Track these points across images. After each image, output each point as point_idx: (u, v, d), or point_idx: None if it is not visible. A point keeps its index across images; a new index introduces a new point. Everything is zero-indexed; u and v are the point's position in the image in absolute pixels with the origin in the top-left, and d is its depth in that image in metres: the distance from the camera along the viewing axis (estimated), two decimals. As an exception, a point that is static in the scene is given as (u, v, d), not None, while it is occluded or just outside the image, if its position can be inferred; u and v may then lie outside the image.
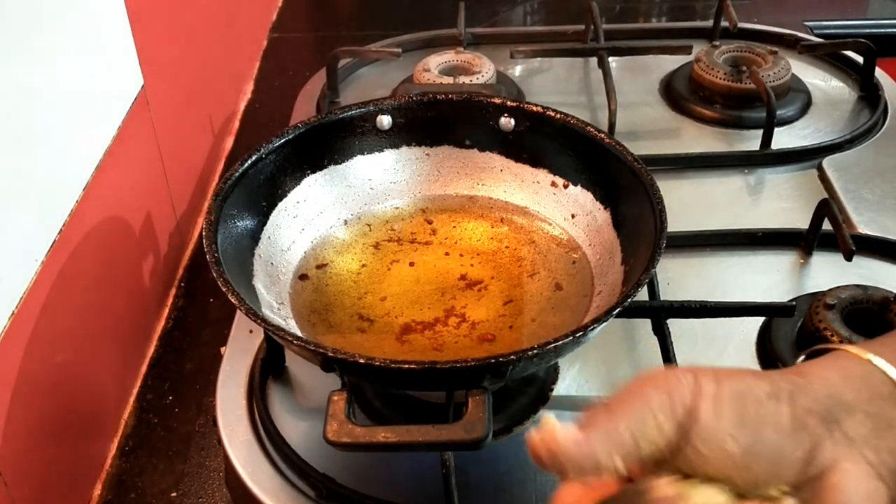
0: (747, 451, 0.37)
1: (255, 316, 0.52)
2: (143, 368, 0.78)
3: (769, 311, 0.68)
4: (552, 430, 0.38)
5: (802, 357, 0.46)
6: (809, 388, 0.38)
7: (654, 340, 0.65)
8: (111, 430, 0.72)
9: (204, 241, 0.57)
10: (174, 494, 0.68)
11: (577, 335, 0.51)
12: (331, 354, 0.49)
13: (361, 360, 0.48)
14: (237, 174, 0.62)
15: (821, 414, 0.37)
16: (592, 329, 0.52)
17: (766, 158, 0.88)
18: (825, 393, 0.38)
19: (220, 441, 0.64)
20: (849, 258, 0.72)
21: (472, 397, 0.48)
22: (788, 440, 0.37)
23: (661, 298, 0.69)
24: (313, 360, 0.51)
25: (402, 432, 0.47)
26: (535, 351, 0.49)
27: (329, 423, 0.47)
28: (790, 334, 0.68)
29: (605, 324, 0.53)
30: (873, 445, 0.37)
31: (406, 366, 0.48)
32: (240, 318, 0.71)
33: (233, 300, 0.52)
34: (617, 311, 0.53)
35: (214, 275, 0.54)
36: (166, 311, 0.84)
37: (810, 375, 0.39)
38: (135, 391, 0.76)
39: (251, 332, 0.69)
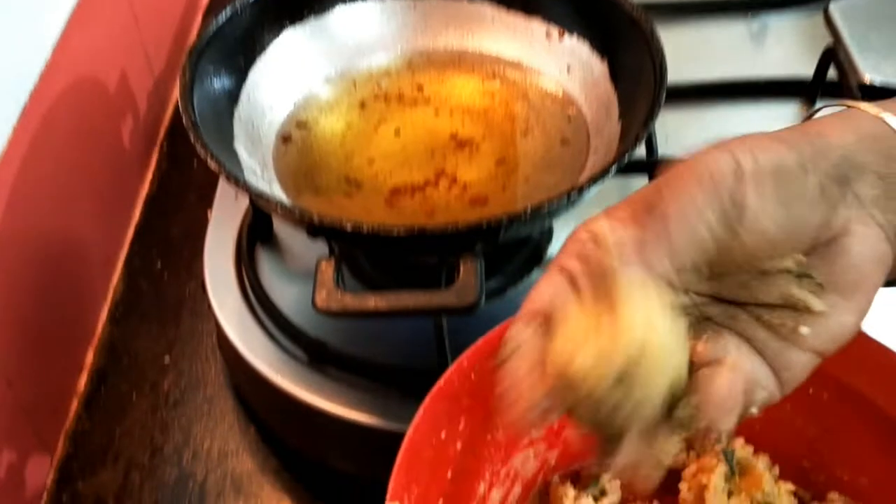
0: (778, 227, 0.35)
1: (237, 181, 0.50)
2: (130, 234, 0.77)
3: (770, 164, 0.66)
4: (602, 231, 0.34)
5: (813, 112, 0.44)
6: (828, 150, 0.36)
7: (651, 198, 0.63)
8: (100, 297, 0.71)
9: (179, 102, 0.54)
10: (167, 359, 0.67)
11: (572, 195, 0.49)
12: (316, 221, 0.47)
13: (348, 227, 0.46)
14: (212, 30, 0.59)
15: (837, 177, 0.35)
16: (587, 189, 0.50)
17: (770, 1, 0.84)
18: (841, 154, 0.36)
19: (210, 307, 0.63)
20: (854, 108, 0.69)
21: (464, 262, 0.47)
22: (812, 210, 0.35)
23: (660, 154, 0.67)
24: (299, 226, 0.50)
25: (393, 299, 0.46)
26: (528, 213, 0.48)
27: (318, 290, 0.46)
28: (790, 189, 0.66)
29: (601, 183, 0.51)
30: (882, 206, 0.36)
31: (394, 232, 0.46)
32: (225, 182, 0.69)
33: (212, 165, 0.50)
34: (614, 169, 0.51)
35: (192, 138, 0.52)
36: (149, 174, 0.82)
37: (826, 135, 0.36)
38: (122, 257, 0.75)
39: (237, 196, 0.67)
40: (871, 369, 0.42)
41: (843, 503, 0.45)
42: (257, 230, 0.64)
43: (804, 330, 0.35)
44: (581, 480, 0.47)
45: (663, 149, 0.68)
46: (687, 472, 0.46)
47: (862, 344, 0.39)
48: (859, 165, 0.36)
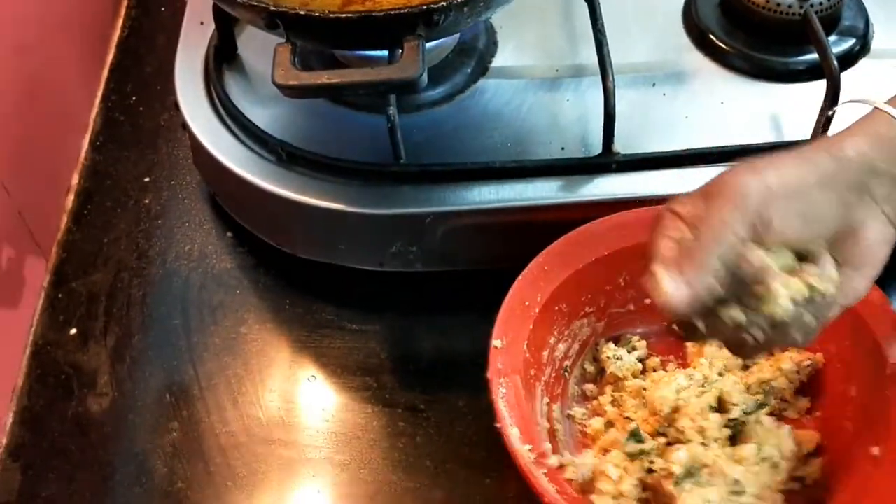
0: (799, 233, 0.45)
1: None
2: (105, 73, 0.81)
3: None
4: (658, 285, 0.45)
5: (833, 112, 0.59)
6: (849, 165, 0.45)
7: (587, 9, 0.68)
8: (81, 128, 0.77)
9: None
10: (147, 179, 0.73)
11: (504, -18, 0.54)
12: (273, 8, 0.52)
13: (302, 12, 0.52)
14: None
15: (857, 187, 0.45)
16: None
17: None
18: (859, 166, 0.45)
19: (184, 125, 0.68)
20: None
21: (407, 43, 0.52)
22: (830, 219, 0.45)
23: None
24: (256, 21, 0.55)
25: (344, 74, 0.52)
26: (465, -1, 0.53)
27: (276, 69, 0.51)
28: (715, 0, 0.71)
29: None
30: (892, 199, 0.46)
31: (344, 15, 0.52)
32: (190, 11, 0.73)
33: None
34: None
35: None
36: (120, 20, 0.86)
37: (848, 149, 0.46)
38: (99, 93, 0.79)
39: (202, 23, 0.72)
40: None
41: (796, 352, 0.57)
42: (223, 51, 0.69)
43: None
44: (619, 341, 0.61)
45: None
46: None
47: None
48: (876, 170, 0.45)
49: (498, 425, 0.51)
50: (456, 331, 0.64)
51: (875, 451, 0.51)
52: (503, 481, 0.56)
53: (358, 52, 0.63)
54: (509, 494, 0.56)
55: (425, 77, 0.52)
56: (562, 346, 0.59)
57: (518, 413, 0.52)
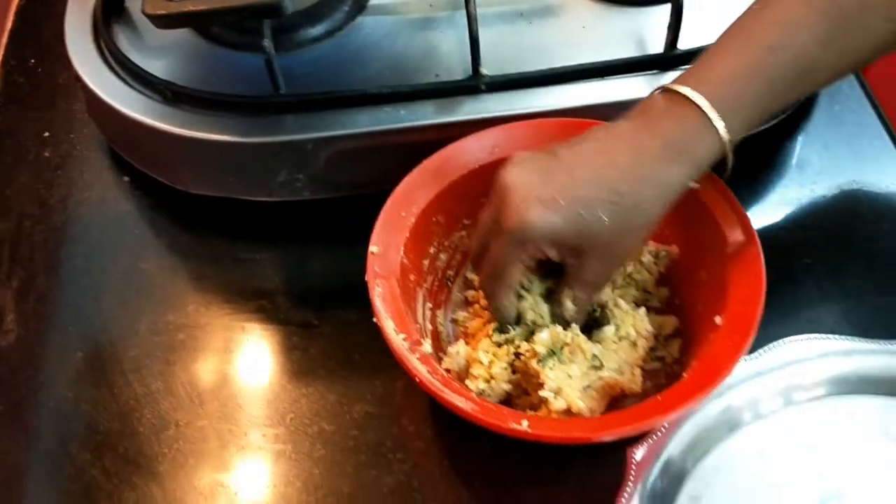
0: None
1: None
2: (4, 40, 0.83)
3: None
4: None
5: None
6: None
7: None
8: (-19, 90, 0.79)
9: None
10: (47, 134, 0.76)
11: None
12: (139, -55, 0.55)
13: (168, -54, 0.55)
14: None
15: None
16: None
17: None
18: None
19: (77, 77, 0.71)
20: None
21: (269, -29, 0.56)
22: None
23: None
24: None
25: (209, 1, 0.55)
26: (321, -71, 0.57)
27: (146, 1, 0.55)
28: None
29: None
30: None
31: (206, -53, 0.55)
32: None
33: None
34: None
35: None
36: (17, -11, 0.88)
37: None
38: (-1, 59, 0.82)
39: (90, -21, 0.75)
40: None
41: (653, 245, 0.62)
42: (110, 4, 0.72)
43: None
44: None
45: None
46: None
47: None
48: None
49: (375, 320, 0.55)
50: (346, 253, 0.66)
51: (717, 320, 0.55)
52: (391, 379, 0.61)
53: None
54: (397, 391, 0.60)
55: (289, 2, 0.56)
56: (443, 257, 0.63)
57: (394, 308, 0.56)
